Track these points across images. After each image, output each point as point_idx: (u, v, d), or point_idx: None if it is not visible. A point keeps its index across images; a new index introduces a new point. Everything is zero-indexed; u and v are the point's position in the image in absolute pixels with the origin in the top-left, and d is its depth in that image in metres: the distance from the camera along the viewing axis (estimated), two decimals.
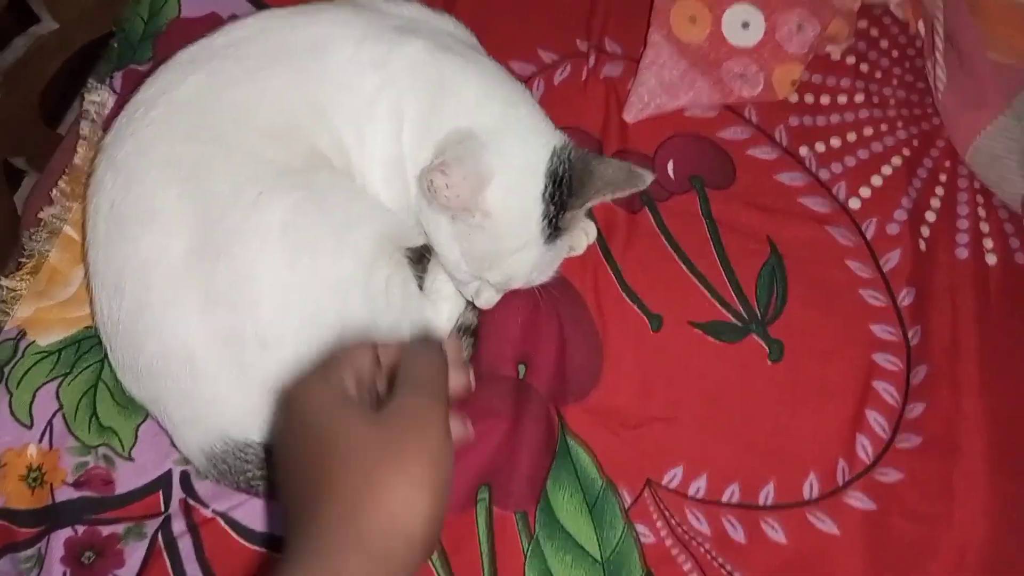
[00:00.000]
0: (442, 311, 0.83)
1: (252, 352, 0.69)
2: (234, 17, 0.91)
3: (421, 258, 0.85)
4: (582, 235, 0.88)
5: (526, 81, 0.94)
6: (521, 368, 0.83)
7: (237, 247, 0.68)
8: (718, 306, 0.87)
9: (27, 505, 0.74)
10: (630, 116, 0.93)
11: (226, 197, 0.69)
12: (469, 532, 0.77)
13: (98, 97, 0.84)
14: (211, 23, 0.90)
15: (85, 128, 0.83)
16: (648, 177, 0.76)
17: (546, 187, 0.73)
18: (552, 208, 0.74)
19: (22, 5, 0.82)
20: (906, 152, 0.95)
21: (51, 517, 0.75)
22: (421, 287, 0.84)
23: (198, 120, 0.72)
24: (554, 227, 0.74)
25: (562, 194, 0.74)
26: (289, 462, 0.49)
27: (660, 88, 0.93)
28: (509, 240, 0.74)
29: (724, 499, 0.81)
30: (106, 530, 0.76)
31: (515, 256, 0.75)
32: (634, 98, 0.93)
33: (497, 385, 0.82)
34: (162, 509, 0.76)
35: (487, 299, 0.79)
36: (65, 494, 0.75)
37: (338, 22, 0.78)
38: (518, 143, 0.75)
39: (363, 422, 0.47)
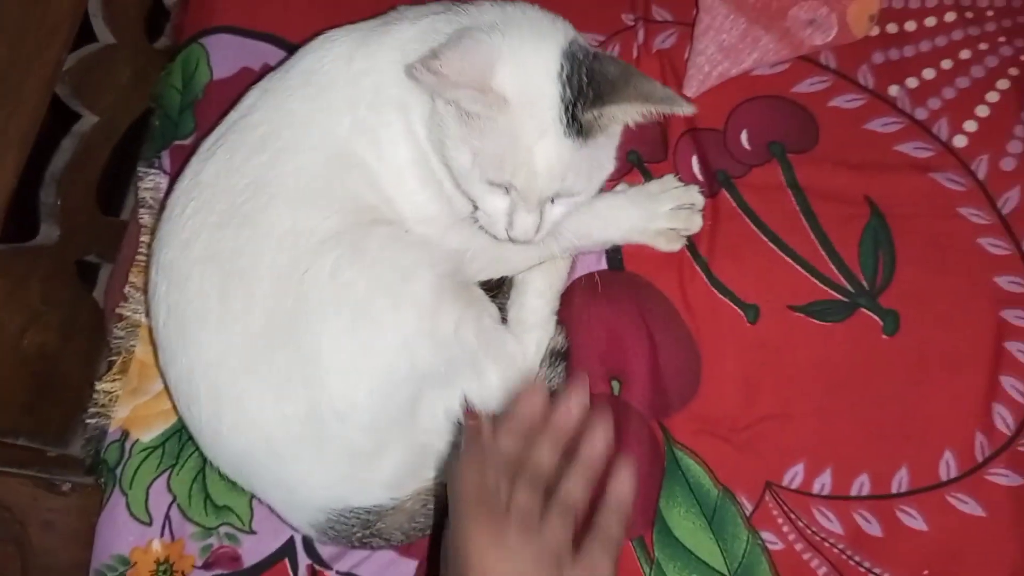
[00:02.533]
0: (528, 343, 0.79)
1: (331, 426, 0.68)
2: (267, 67, 0.88)
3: (499, 287, 0.82)
4: (695, 216, 0.81)
5: None
6: (615, 384, 0.80)
7: (296, 329, 0.67)
8: (819, 284, 0.80)
9: None
10: (691, 90, 0.86)
11: (271, 282, 0.68)
12: None
13: (151, 183, 0.85)
14: (246, 79, 0.87)
15: (145, 217, 0.84)
16: (688, 108, 0.68)
17: (562, 68, 0.66)
18: (569, 92, 0.66)
19: (60, 107, 0.82)
20: (1013, 71, 0.84)
21: None
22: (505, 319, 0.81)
23: (225, 204, 0.70)
24: (574, 118, 0.66)
25: (582, 84, 0.66)
26: None
27: (720, 54, 0.85)
28: (526, 130, 0.66)
29: (853, 492, 0.76)
30: None
31: (535, 149, 0.66)
32: (693, 70, 0.86)
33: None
34: None
35: (523, 225, 0.69)
36: None
37: (323, 46, 0.75)
38: (526, 26, 0.69)
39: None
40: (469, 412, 0.71)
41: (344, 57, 0.73)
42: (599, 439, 0.65)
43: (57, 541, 0.74)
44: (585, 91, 0.66)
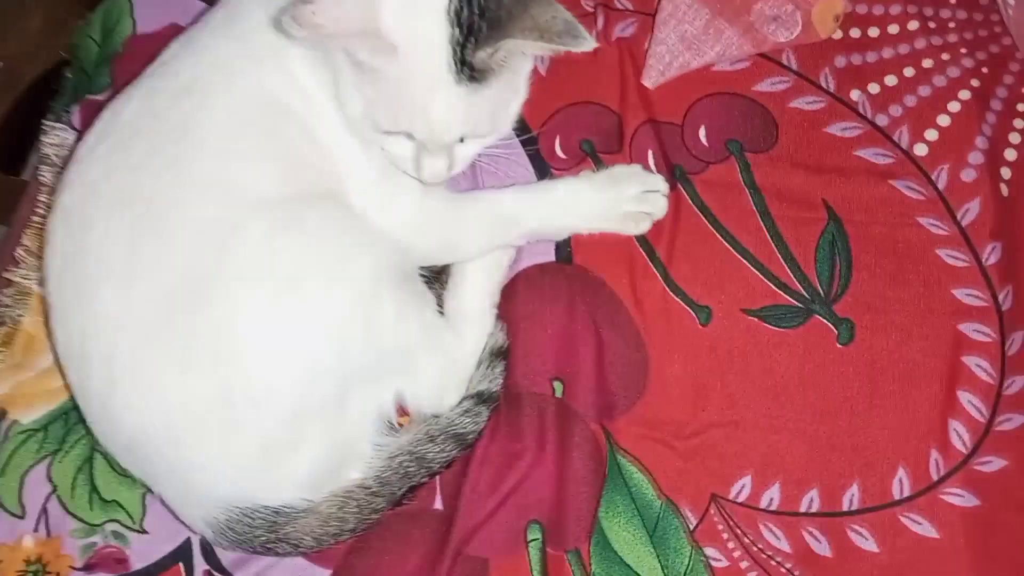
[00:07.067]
0: (467, 337, 0.74)
1: (243, 410, 0.62)
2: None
3: (439, 275, 0.77)
4: (661, 199, 0.78)
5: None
6: (557, 385, 0.75)
7: (212, 292, 0.61)
8: (773, 288, 0.77)
9: None
10: (650, 81, 0.83)
11: (191, 236, 0.61)
12: None
13: (56, 139, 0.78)
14: (172, 35, 0.80)
15: (46, 175, 0.77)
16: (589, 44, 0.59)
17: (451, 2, 0.59)
18: (459, 32, 0.59)
19: None
20: (975, 83, 0.83)
21: None
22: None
23: (145, 146, 0.63)
24: (464, 62, 0.60)
25: (472, 17, 0.59)
26: None
27: (682, 44, 0.82)
28: (417, 80, 0.60)
29: (803, 508, 0.72)
30: None
31: (429, 100, 0.61)
32: (652, 60, 0.83)
33: (532, 408, 0.74)
34: None
35: (431, 169, 0.64)
36: None
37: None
38: None
39: None
40: None
41: (263, 4, 0.66)
42: None
43: None
44: (477, 26, 0.59)
